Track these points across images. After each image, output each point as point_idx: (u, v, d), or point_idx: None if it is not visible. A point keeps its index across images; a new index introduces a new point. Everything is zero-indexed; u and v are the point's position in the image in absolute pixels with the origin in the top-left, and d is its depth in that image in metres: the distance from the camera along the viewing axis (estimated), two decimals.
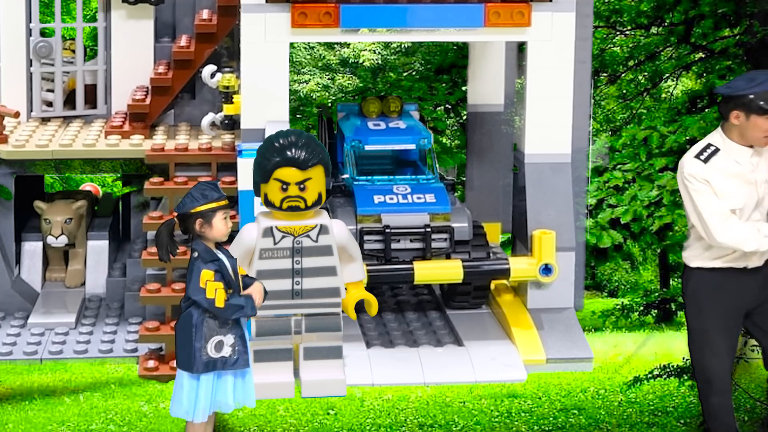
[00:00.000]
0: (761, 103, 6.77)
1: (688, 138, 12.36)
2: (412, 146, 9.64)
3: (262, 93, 8.92)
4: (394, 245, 8.91)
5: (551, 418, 8.20)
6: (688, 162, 7.06)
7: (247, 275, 7.42)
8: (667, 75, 16.13)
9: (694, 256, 7.16)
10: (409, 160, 9.95)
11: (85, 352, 9.00)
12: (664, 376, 10.13)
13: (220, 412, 7.36)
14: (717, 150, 6.98)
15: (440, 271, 8.87)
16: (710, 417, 7.11)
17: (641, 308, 18.88)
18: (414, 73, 17.01)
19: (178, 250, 7.28)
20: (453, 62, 15.89)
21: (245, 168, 8.42)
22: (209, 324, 7.06)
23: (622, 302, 17.35)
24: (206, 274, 7.04)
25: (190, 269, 7.09)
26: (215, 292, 7.02)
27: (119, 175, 11.34)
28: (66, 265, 10.17)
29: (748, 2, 13.97)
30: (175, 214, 7.25)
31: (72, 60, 10.41)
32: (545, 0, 8.86)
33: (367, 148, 9.54)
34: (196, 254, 7.09)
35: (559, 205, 9.00)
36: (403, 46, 18.03)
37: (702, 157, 7.01)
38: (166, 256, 7.20)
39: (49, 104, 10.42)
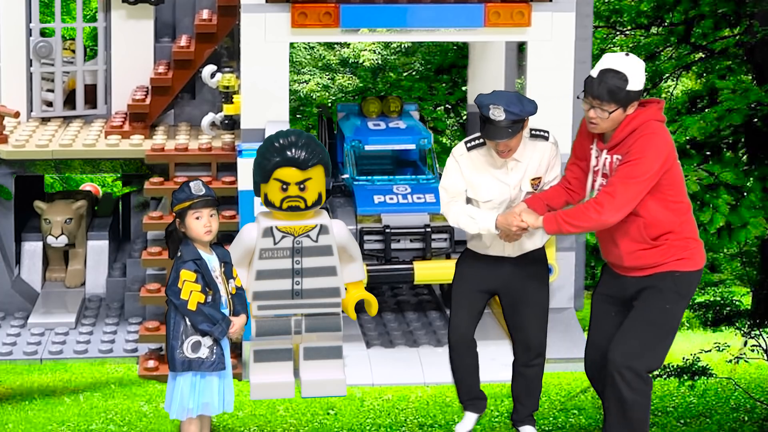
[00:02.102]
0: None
1: (688, 138, 12.35)
2: (412, 146, 9.65)
3: (262, 93, 8.92)
4: (394, 245, 8.92)
5: (551, 418, 8.20)
6: (458, 144, 7.58)
7: (239, 301, 7.27)
8: (667, 75, 16.12)
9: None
10: (409, 160, 9.95)
11: (85, 352, 9.01)
12: (664, 376, 10.13)
13: (213, 414, 7.34)
14: (483, 143, 7.42)
15: (440, 271, 8.88)
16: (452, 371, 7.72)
17: None
18: (414, 73, 17.01)
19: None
20: (453, 62, 15.89)
21: (245, 168, 8.42)
22: (187, 324, 7.01)
23: None
24: (185, 275, 6.95)
25: (173, 268, 7.05)
26: (190, 294, 6.95)
27: (119, 175, 11.35)
28: (66, 265, 10.18)
29: (748, 2, 13.97)
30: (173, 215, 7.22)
31: (72, 60, 10.42)
32: (545, 0, 8.87)
33: (367, 148, 9.55)
34: (179, 254, 7.05)
35: None
36: (403, 46, 18.04)
37: (468, 145, 7.50)
38: (173, 255, 7.15)
39: (49, 104, 10.43)
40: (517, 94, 7.46)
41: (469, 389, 7.69)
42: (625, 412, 6.79)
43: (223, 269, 7.14)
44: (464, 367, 7.61)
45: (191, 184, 7.04)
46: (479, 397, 7.73)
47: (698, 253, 6.92)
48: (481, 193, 7.44)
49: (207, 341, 7.04)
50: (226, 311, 7.10)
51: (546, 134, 7.49)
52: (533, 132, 7.47)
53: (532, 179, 7.45)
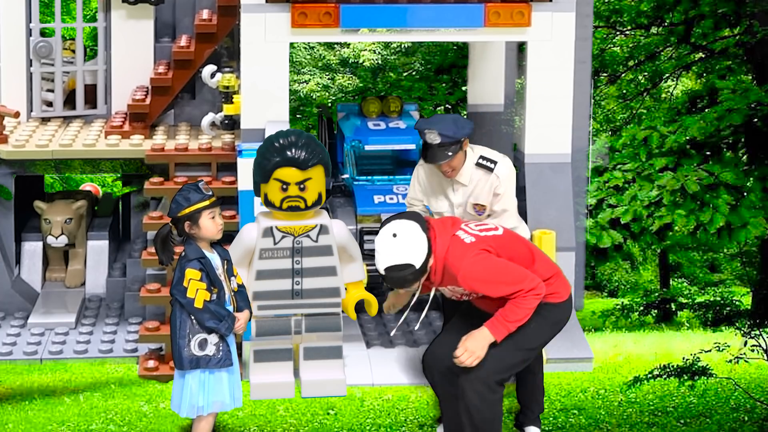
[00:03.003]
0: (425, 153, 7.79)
1: (688, 138, 12.36)
2: (412, 146, 9.65)
3: (262, 93, 8.92)
4: None
5: (551, 418, 8.20)
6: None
7: (241, 298, 7.32)
8: (667, 75, 16.14)
9: None
10: (409, 160, 9.95)
11: (85, 352, 9.00)
12: (664, 376, 10.11)
13: (221, 412, 7.37)
14: None
15: None
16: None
17: (641, 308, 18.88)
18: (414, 73, 17.02)
19: (175, 253, 7.26)
20: (453, 62, 15.90)
21: (245, 168, 8.42)
22: (192, 322, 7.05)
23: (622, 302, 17.34)
24: (190, 273, 7.02)
25: (177, 267, 7.09)
26: (196, 292, 7.00)
27: (119, 175, 11.34)
28: (66, 265, 10.18)
29: (748, 2, 13.97)
30: (169, 219, 7.25)
31: (72, 60, 10.42)
32: (545, 0, 8.86)
33: (367, 148, 9.55)
34: (183, 253, 7.09)
35: (559, 205, 9.00)
36: (403, 46, 18.03)
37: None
38: (165, 260, 7.20)
39: (49, 104, 10.43)
40: (454, 117, 7.82)
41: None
42: (473, 419, 6.96)
43: (225, 267, 7.19)
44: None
45: (199, 185, 7.12)
46: None
47: (561, 286, 7.16)
48: (432, 204, 8.00)
49: (213, 338, 7.09)
50: (230, 308, 7.15)
51: (492, 165, 7.82)
52: (479, 161, 7.84)
53: (476, 204, 7.87)
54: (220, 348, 7.12)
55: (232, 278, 7.24)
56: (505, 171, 7.87)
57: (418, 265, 6.81)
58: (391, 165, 9.92)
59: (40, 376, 8.72)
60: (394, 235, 6.83)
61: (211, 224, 7.09)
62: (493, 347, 6.92)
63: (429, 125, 7.68)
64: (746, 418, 8.46)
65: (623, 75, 16.52)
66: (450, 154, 7.66)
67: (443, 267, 6.91)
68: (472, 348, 6.84)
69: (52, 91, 10.40)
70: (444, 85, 16.05)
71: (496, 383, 6.95)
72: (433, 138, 7.63)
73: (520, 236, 7.34)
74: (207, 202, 7.08)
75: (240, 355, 8.44)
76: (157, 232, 7.16)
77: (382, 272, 6.86)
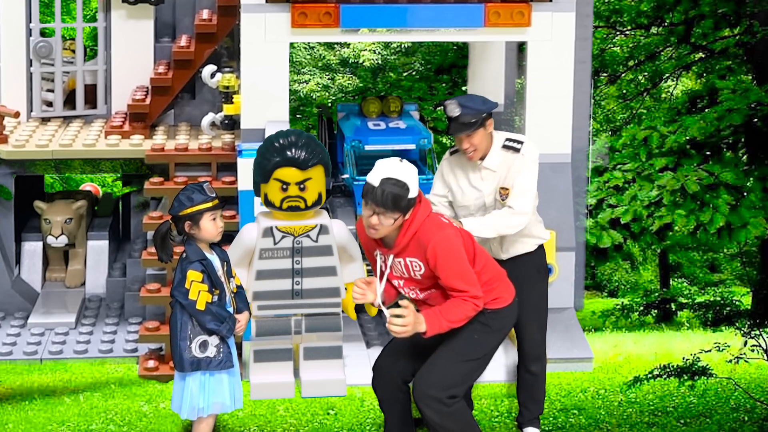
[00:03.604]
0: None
1: (688, 138, 12.36)
2: (412, 146, 9.64)
3: (262, 93, 8.92)
4: None
5: (551, 418, 8.21)
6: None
7: (240, 299, 7.32)
8: (667, 75, 16.14)
9: None
10: (409, 160, 9.94)
11: (85, 352, 9.01)
12: (664, 376, 10.11)
13: (221, 413, 7.37)
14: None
15: None
16: None
17: (641, 308, 18.88)
18: (414, 73, 17.02)
19: (174, 252, 7.26)
20: (453, 62, 15.90)
21: (245, 168, 8.42)
22: (194, 324, 7.05)
23: (622, 302, 17.35)
24: (192, 275, 7.01)
25: (178, 269, 7.09)
26: (198, 294, 7.00)
27: (119, 175, 11.34)
28: (66, 265, 10.18)
29: (748, 2, 13.97)
30: (170, 217, 7.25)
31: (72, 60, 10.42)
32: (545, 0, 8.87)
33: (367, 148, 9.54)
34: (184, 254, 7.08)
35: (559, 205, 9.00)
36: (403, 46, 18.03)
37: (451, 149, 7.91)
38: (164, 258, 7.20)
39: (49, 104, 10.43)
40: (480, 96, 7.71)
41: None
42: None
43: (224, 269, 7.19)
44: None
45: (204, 186, 7.11)
46: None
47: (505, 291, 7.11)
48: (457, 198, 7.79)
49: (214, 340, 7.09)
50: (231, 309, 7.15)
51: (518, 145, 7.67)
52: (506, 143, 7.69)
53: (502, 188, 7.67)
54: (221, 349, 7.12)
55: (231, 279, 7.24)
56: (531, 150, 7.68)
57: (411, 195, 6.75)
58: None
59: (40, 376, 8.72)
60: (401, 161, 6.84)
61: (211, 226, 7.08)
62: (438, 360, 6.94)
63: (454, 100, 7.60)
64: (746, 418, 8.47)
65: (623, 75, 16.53)
66: (470, 127, 7.52)
67: (414, 233, 6.83)
68: (404, 322, 6.76)
69: (52, 91, 10.40)
70: (444, 85, 16.05)
71: (448, 397, 6.93)
72: (453, 109, 7.52)
73: (471, 235, 7.25)
74: (209, 204, 7.07)
75: (240, 355, 8.44)
76: (157, 229, 7.16)
77: (376, 182, 6.73)
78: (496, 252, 7.74)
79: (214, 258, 7.13)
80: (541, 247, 7.84)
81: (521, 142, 7.68)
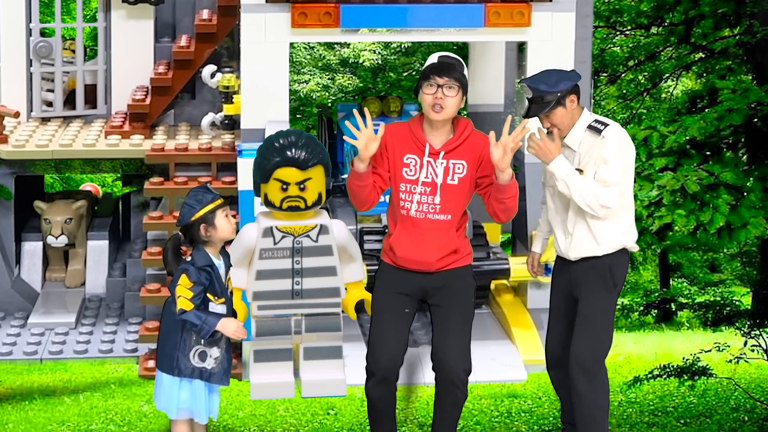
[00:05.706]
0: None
1: (688, 138, 12.35)
2: None
3: (262, 93, 8.92)
4: None
5: (551, 418, 8.20)
6: None
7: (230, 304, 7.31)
8: (667, 75, 16.14)
9: None
10: None
11: (85, 352, 9.00)
12: (664, 376, 10.12)
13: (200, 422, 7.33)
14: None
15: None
16: None
17: (641, 308, 18.88)
18: (414, 73, 17.02)
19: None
20: None
21: (245, 168, 8.42)
22: (195, 332, 7.03)
23: (622, 302, 17.34)
24: (183, 281, 6.99)
25: (179, 270, 7.07)
26: (179, 297, 6.97)
27: (119, 175, 11.34)
28: (66, 265, 10.18)
29: (748, 2, 13.97)
30: (178, 228, 7.22)
31: (72, 60, 10.41)
32: (545, 0, 8.87)
33: None
34: (191, 257, 7.06)
35: None
36: (403, 46, 18.04)
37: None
38: (175, 272, 7.17)
39: (49, 104, 10.43)
40: (559, 71, 7.59)
41: None
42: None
43: (227, 276, 7.20)
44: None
45: (207, 186, 7.12)
46: None
47: None
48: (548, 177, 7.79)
49: (214, 352, 7.05)
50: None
51: (602, 127, 7.50)
52: (591, 124, 7.54)
53: (577, 169, 7.50)
54: (219, 364, 7.08)
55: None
56: (613, 134, 7.43)
57: (464, 79, 7.11)
58: None
59: (40, 376, 8.72)
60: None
61: (226, 223, 7.11)
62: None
63: (529, 80, 7.54)
64: (746, 418, 8.47)
65: (623, 75, 16.54)
66: (546, 107, 7.42)
67: (468, 135, 7.24)
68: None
69: (52, 91, 10.40)
70: None
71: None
72: (526, 92, 7.50)
73: None
74: (219, 201, 7.11)
75: (240, 355, 8.45)
76: (167, 244, 7.12)
77: (435, 59, 7.07)
78: (565, 249, 7.63)
79: (220, 264, 7.12)
80: (611, 256, 7.59)
81: (606, 124, 7.49)
